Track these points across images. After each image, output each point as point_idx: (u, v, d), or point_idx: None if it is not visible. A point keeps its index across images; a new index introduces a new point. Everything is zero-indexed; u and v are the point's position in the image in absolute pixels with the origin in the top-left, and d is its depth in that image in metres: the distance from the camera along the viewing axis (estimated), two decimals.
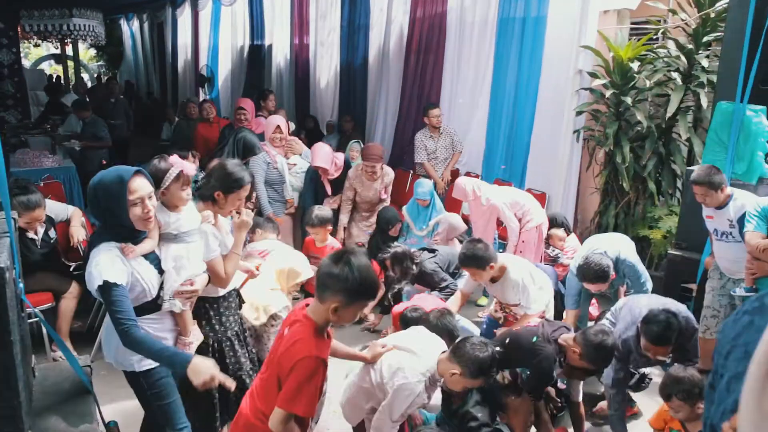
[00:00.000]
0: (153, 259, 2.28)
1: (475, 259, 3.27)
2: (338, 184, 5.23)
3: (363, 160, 5.16)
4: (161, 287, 2.30)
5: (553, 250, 4.74)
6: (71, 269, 4.22)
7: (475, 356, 2.32)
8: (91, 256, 2.10)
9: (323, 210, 4.63)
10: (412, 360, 2.41)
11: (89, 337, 4.07)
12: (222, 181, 2.61)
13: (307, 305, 1.96)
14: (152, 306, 2.29)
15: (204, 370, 2.00)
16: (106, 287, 2.03)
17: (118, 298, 2.05)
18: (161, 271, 2.31)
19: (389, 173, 5.36)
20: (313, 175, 5.11)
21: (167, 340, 2.37)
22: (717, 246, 3.75)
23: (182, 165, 2.38)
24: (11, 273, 1.54)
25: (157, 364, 2.25)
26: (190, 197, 2.46)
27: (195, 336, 2.53)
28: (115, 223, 2.13)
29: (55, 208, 4.03)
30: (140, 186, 2.12)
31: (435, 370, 2.43)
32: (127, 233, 2.16)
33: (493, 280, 3.44)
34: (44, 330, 3.62)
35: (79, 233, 3.90)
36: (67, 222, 4.10)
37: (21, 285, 1.77)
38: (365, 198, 5.23)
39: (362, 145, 5.96)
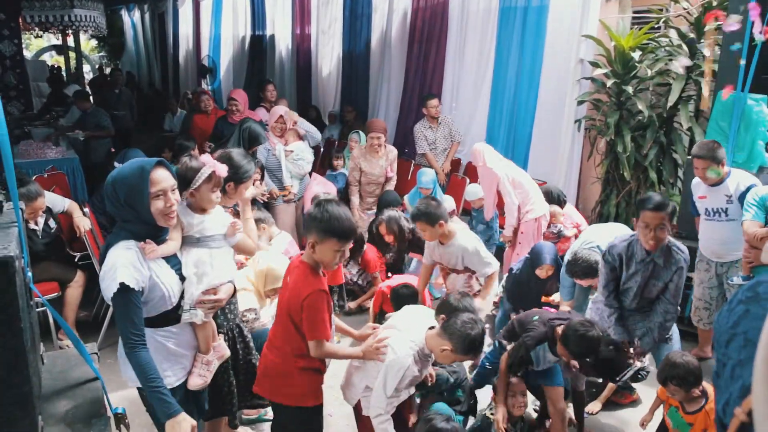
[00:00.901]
0: (174, 263, 2.14)
1: (426, 215, 3.34)
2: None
3: (367, 133, 5.30)
4: (182, 296, 2.15)
5: (555, 226, 4.69)
6: (76, 259, 4.27)
7: (466, 333, 2.33)
8: (107, 256, 1.95)
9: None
10: (397, 336, 2.46)
11: (95, 326, 4.12)
12: (233, 172, 2.62)
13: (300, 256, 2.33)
14: (172, 316, 2.14)
15: (182, 429, 1.90)
16: (123, 291, 1.88)
17: (131, 306, 1.92)
18: (183, 278, 2.17)
19: (392, 150, 5.47)
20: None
21: (186, 357, 2.22)
22: (707, 227, 3.74)
23: (214, 165, 2.25)
24: (20, 262, 1.57)
25: (177, 383, 2.15)
26: (219, 199, 2.34)
27: (217, 353, 2.34)
28: (135, 219, 1.99)
29: (52, 199, 4.08)
30: (163, 177, 1.99)
31: (423, 344, 2.46)
32: (147, 231, 2.02)
33: (442, 242, 3.52)
34: (51, 319, 3.68)
35: (84, 223, 3.94)
36: (68, 214, 4.14)
37: (30, 274, 1.80)
38: (371, 177, 5.25)
39: (360, 136, 6.01)
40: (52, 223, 4.05)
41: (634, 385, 3.63)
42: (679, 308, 3.29)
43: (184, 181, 2.22)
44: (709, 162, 3.49)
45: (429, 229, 3.39)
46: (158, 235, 2.06)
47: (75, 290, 4.01)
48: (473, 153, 4.89)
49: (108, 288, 1.88)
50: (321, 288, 2.26)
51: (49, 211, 3.99)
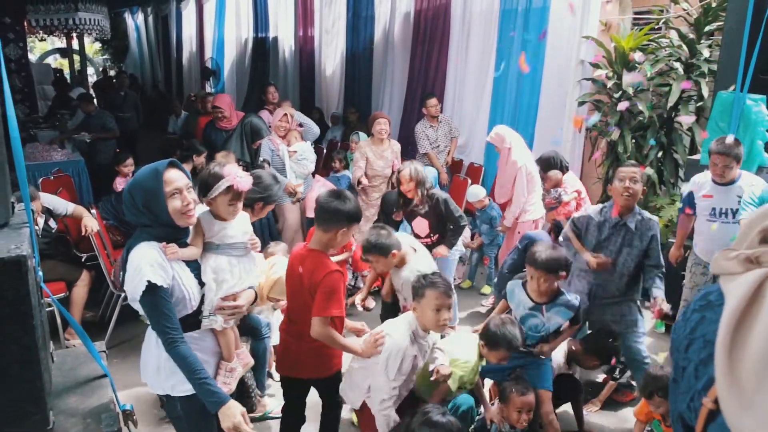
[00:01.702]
0: (195, 268, 2.14)
1: (377, 246, 3.08)
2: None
3: (372, 125, 5.35)
4: (203, 301, 2.15)
5: (556, 190, 4.65)
6: (83, 260, 4.32)
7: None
8: (130, 259, 1.97)
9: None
10: (390, 323, 2.56)
11: (101, 327, 4.17)
12: (264, 194, 2.69)
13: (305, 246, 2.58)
14: (192, 321, 2.13)
15: (234, 415, 1.95)
16: (152, 290, 1.90)
17: (165, 304, 1.94)
18: (203, 284, 2.16)
19: (397, 144, 5.52)
20: None
21: (208, 363, 2.19)
22: (708, 228, 3.67)
23: (234, 179, 2.21)
24: (32, 261, 1.62)
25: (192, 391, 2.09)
26: (238, 212, 2.29)
27: (241, 360, 2.35)
28: (155, 223, 2.00)
29: (53, 201, 4.11)
30: (176, 177, 2.01)
31: (416, 325, 2.53)
32: (168, 234, 2.03)
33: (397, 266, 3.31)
34: (58, 318, 3.73)
35: (92, 224, 3.97)
36: (74, 217, 4.17)
37: (40, 273, 1.85)
38: (377, 169, 5.28)
39: (360, 137, 6.06)
40: (52, 224, 4.08)
41: (634, 383, 3.66)
42: (663, 268, 3.37)
43: (205, 187, 2.22)
44: (731, 160, 3.45)
45: (382, 260, 3.13)
46: (179, 237, 2.08)
47: (81, 289, 4.05)
48: (497, 136, 4.73)
49: (135, 289, 1.90)
50: (338, 269, 2.45)
51: (48, 212, 4.02)
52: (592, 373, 3.83)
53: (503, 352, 2.77)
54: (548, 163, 4.64)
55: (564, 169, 4.69)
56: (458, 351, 2.89)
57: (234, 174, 2.22)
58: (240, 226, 2.31)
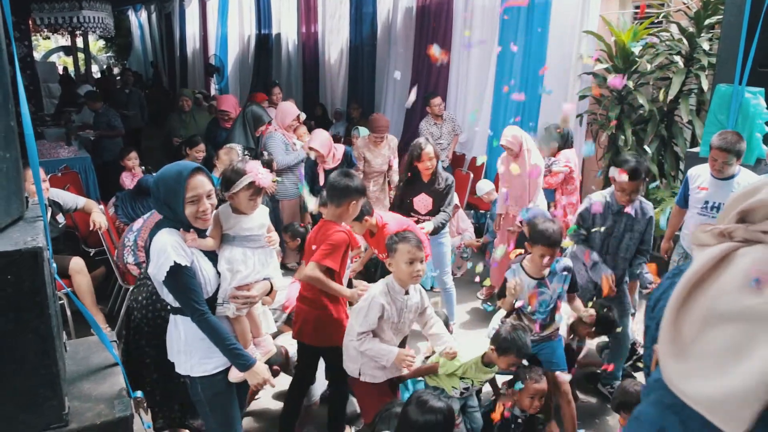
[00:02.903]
0: (212, 259, 2.26)
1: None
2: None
3: (371, 132, 5.28)
4: (219, 289, 2.26)
5: (550, 159, 4.73)
6: (91, 254, 4.39)
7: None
8: (153, 243, 2.11)
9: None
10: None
11: (110, 321, 4.24)
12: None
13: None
14: (208, 306, 2.22)
15: (261, 373, 2.22)
16: (177, 270, 2.04)
17: (190, 281, 2.09)
18: (219, 273, 2.28)
19: (393, 139, 5.52)
20: (312, 165, 5.17)
21: None
22: (698, 222, 3.66)
23: (257, 175, 2.33)
24: (47, 253, 1.68)
25: (215, 371, 2.24)
26: (258, 206, 2.42)
27: (262, 348, 2.46)
28: (173, 218, 2.14)
29: (63, 196, 4.15)
30: (198, 184, 2.11)
31: (392, 280, 2.66)
32: (185, 227, 2.15)
33: (372, 233, 3.44)
34: (68, 311, 3.80)
35: (101, 220, 4.02)
36: (84, 212, 4.22)
37: (54, 265, 1.92)
38: (375, 167, 5.33)
39: (360, 132, 6.10)
40: (60, 218, 4.11)
41: (635, 375, 3.71)
42: (650, 252, 3.51)
43: (228, 182, 2.33)
44: (732, 156, 3.44)
45: (356, 225, 3.26)
46: (197, 231, 2.18)
47: (81, 277, 3.97)
48: (514, 139, 4.43)
49: (160, 270, 2.04)
50: (346, 230, 2.83)
51: (57, 206, 4.05)
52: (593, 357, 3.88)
53: (513, 358, 2.82)
54: (552, 136, 4.79)
55: (570, 143, 4.82)
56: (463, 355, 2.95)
57: (256, 170, 2.34)
58: (257, 219, 2.41)
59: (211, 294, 2.22)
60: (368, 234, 3.48)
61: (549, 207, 4.78)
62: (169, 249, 2.04)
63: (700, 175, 3.72)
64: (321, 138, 4.98)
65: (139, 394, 2.14)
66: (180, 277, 2.07)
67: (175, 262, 2.03)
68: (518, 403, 2.94)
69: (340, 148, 5.18)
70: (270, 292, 2.47)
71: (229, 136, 5.24)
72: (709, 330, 0.97)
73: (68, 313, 3.82)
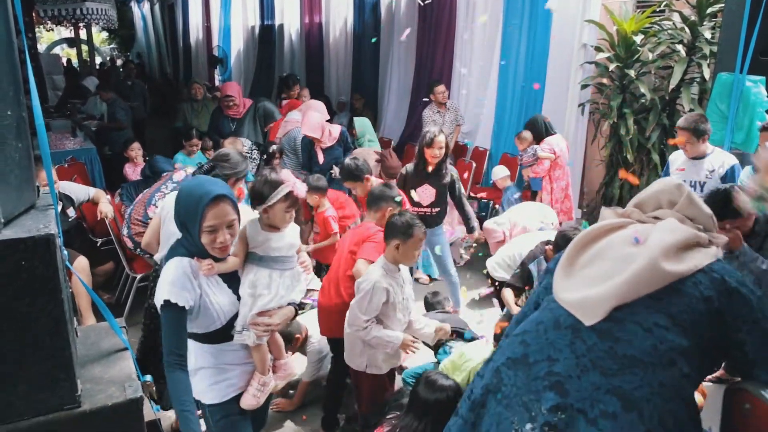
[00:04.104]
0: (231, 279, 2.08)
1: (351, 174, 3.69)
2: (330, 153, 5.20)
3: (383, 173, 4.98)
4: (236, 315, 2.09)
5: (532, 147, 5.10)
6: (98, 244, 4.45)
7: (399, 222, 2.66)
8: (163, 270, 1.98)
9: (319, 180, 4.41)
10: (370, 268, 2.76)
11: (118, 310, 4.31)
12: (237, 169, 3.04)
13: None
14: (221, 336, 2.08)
15: None
16: (165, 307, 1.92)
17: (175, 324, 1.93)
18: (238, 295, 2.11)
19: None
20: (309, 144, 5.16)
21: (234, 372, 2.15)
22: None
23: (293, 184, 2.18)
24: (58, 240, 1.73)
25: (222, 399, 2.13)
26: (292, 219, 2.24)
27: (283, 372, 2.33)
28: (190, 241, 1.98)
29: (75, 189, 4.18)
30: (219, 214, 1.92)
31: (385, 261, 2.70)
32: (202, 252, 1.99)
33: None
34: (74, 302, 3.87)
35: (108, 210, 4.06)
36: (93, 202, 4.28)
37: (65, 252, 1.97)
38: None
39: (356, 124, 6.11)
40: (71, 212, 4.13)
41: None
42: None
43: (260, 196, 2.16)
44: (689, 134, 3.65)
45: (358, 185, 3.73)
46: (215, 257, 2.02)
47: (83, 278, 3.90)
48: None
49: (157, 301, 1.94)
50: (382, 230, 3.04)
51: (68, 200, 4.08)
52: None
53: None
54: (535, 126, 5.14)
55: (550, 133, 5.10)
56: (472, 353, 3.01)
57: (292, 180, 2.20)
58: (287, 237, 2.23)
59: (225, 323, 2.07)
60: (364, 199, 3.64)
61: (535, 197, 4.90)
62: (166, 285, 1.91)
63: (678, 159, 3.97)
64: (310, 123, 4.98)
65: (148, 378, 2.20)
66: (169, 316, 1.93)
67: (165, 301, 1.90)
68: None
69: (336, 128, 5.21)
70: (294, 317, 2.30)
71: (238, 130, 5.29)
72: (594, 262, 1.53)
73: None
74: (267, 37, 11.78)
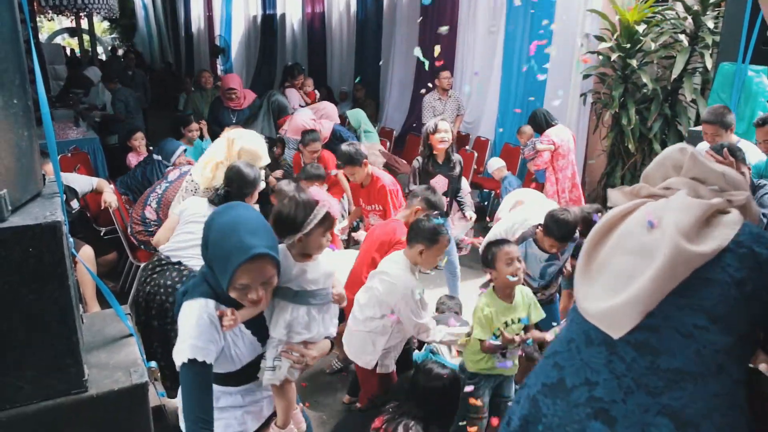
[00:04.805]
0: (255, 323, 1.77)
1: (350, 158, 3.75)
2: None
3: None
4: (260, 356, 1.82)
5: (532, 141, 5.13)
6: (102, 233, 4.48)
7: (425, 226, 2.62)
8: (181, 312, 1.68)
9: (317, 169, 4.47)
10: (389, 267, 2.67)
11: (122, 298, 4.34)
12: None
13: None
14: (232, 380, 1.81)
15: None
16: (191, 365, 1.59)
17: (198, 384, 1.62)
18: (262, 338, 1.80)
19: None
20: None
21: (234, 415, 1.85)
22: None
23: (329, 203, 1.86)
24: (64, 227, 1.76)
25: None
26: (329, 243, 1.90)
27: (295, 425, 1.94)
28: (215, 286, 1.68)
29: (79, 180, 4.15)
30: (255, 275, 1.60)
31: (408, 263, 2.65)
32: (227, 303, 1.68)
33: (362, 185, 3.89)
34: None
35: (112, 199, 4.07)
36: (96, 191, 4.27)
37: (71, 240, 1.99)
38: None
39: (349, 117, 6.13)
40: (74, 204, 4.09)
41: None
42: None
43: (292, 224, 1.80)
44: (717, 127, 3.49)
45: (357, 170, 3.76)
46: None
47: (84, 252, 3.95)
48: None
49: (177, 355, 1.62)
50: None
51: (72, 192, 4.03)
52: None
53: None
54: (535, 120, 5.12)
55: (550, 125, 5.06)
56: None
57: (323, 196, 1.90)
58: (323, 267, 1.90)
59: (238, 368, 1.78)
60: (359, 186, 3.75)
61: (542, 189, 4.90)
62: (189, 340, 1.60)
63: (700, 151, 3.78)
64: (293, 125, 5.15)
65: (152, 364, 2.24)
66: (192, 376, 1.62)
67: (189, 360, 1.59)
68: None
69: (327, 125, 5.21)
70: (330, 351, 1.98)
71: (250, 123, 5.29)
72: (613, 259, 1.35)
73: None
74: (269, 26, 11.76)
